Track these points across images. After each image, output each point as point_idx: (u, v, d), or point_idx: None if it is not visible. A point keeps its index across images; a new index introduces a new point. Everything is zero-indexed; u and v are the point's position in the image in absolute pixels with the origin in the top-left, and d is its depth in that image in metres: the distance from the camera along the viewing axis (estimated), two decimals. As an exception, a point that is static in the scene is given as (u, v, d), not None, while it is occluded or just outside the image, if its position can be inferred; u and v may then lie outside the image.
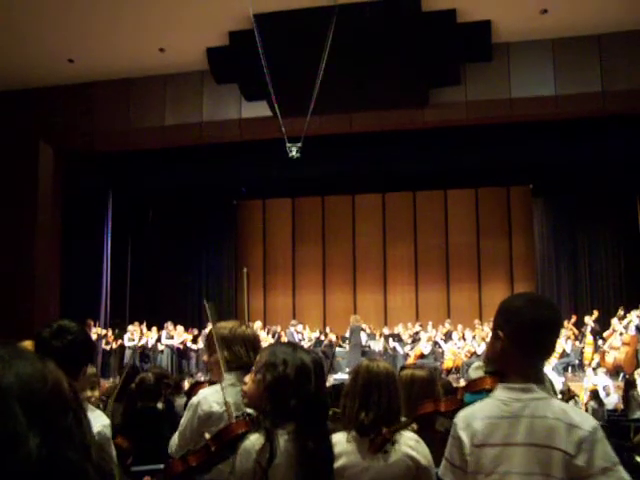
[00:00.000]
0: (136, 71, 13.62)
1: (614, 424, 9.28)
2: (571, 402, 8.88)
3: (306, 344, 17.12)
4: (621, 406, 10.93)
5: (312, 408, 2.31)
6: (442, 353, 17.17)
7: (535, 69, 12.75)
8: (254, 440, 2.28)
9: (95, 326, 16.26)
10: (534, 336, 2.23)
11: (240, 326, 3.53)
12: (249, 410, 2.50)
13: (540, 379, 2.25)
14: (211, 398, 3.36)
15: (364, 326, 17.83)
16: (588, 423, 2.13)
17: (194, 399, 3.48)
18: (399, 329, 18.65)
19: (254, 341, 3.49)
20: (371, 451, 2.80)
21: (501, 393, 2.26)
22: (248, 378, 2.48)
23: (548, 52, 12.74)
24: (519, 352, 2.24)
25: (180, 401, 6.42)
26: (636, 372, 13.52)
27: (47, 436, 0.98)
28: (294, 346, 2.54)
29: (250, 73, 12.17)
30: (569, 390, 9.61)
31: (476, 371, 3.52)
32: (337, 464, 2.69)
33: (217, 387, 3.32)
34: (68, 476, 1.00)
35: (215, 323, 3.26)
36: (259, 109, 13.16)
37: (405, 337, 18.03)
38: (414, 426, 3.01)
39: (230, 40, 12.38)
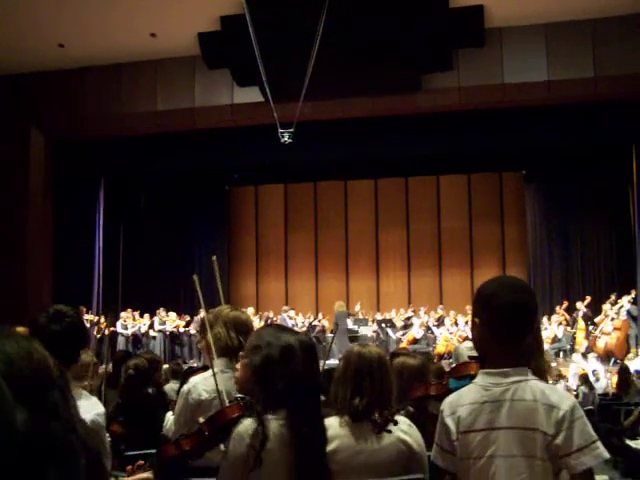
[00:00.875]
0: (127, 56, 13.55)
1: (605, 408, 9.35)
2: (559, 384, 8.95)
3: (299, 330, 17.15)
4: (610, 390, 11.00)
5: (302, 390, 2.31)
6: (434, 338, 17.23)
7: (528, 54, 12.73)
8: (247, 425, 2.28)
9: (87, 313, 16.24)
10: (508, 320, 2.23)
11: (230, 310, 3.52)
12: (240, 395, 2.50)
13: (521, 362, 2.26)
14: (200, 386, 3.36)
15: (352, 312, 17.91)
16: (566, 403, 2.15)
17: (185, 387, 3.49)
18: (392, 314, 18.71)
19: (239, 323, 3.45)
20: (374, 432, 2.80)
21: (482, 379, 2.28)
22: (239, 364, 2.48)
23: (541, 37, 12.72)
24: (495, 337, 2.25)
25: (173, 386, 6.43)
26: (627, 357, 13.60)
27: (33, 411, 1.01)
28: (281, 328, 2.54)
29: (242, 58, 12.13)
30: (560, 375, 9.67)
31: (469, 351, 3.52)
32: (329, 448, 2.69)
33: (207, 374, 3.32)
34: (53, 448, 1.03)
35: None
36: (251, 94, 13.12)
37: (397, 322, 18.08)
38: (410, 408, 3.03)
39: (222, 25, 12.32)
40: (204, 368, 3.62)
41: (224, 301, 3.77)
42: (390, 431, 2.75)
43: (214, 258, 3.82)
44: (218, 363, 3.31)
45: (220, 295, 3.96)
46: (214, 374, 2.96)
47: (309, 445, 2.29)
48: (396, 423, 2.76)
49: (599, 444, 2.10)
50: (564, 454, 2.09)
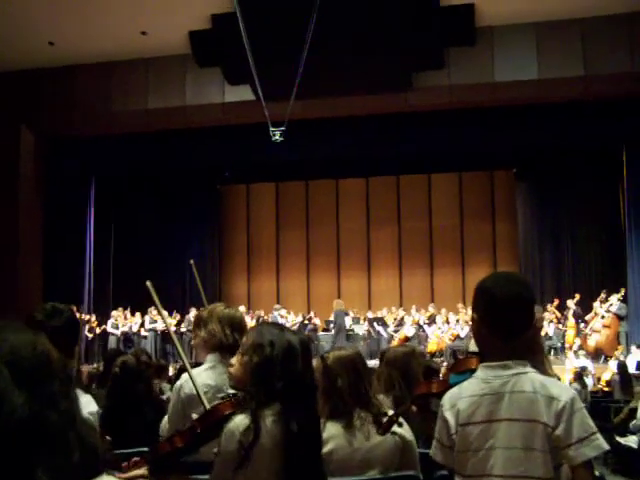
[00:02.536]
0: (118, 54, 13.52)
1: (595, 405, 9.40)
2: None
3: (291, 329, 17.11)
4: (599, 387, 11.06)
5: (299, 389, 2.32)
6: (426, 337, 17.25)
7: (518, 53, 12.78)
8: (239, 421, 2.28)
9: (78, 312, 16.19)
10: (504, 314, 2.24)
11: (224, 307, 3.53)
12: (232, 391, 2.50)
13: (521, 355, 2.27)
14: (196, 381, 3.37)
15: (348, 310, 17.90)
16: (566, 394, 2.17)
17: (178, 383, 3.50)
18: (383, 313, 18.72)
19: (234, 320, 3.47)
20: (380, 433, 2.83)
21: (482, 372, 2.29)
22: (234, 360, 2.48)
23: (531, 36, 12.77)
24: (493, 331, 2.26)
25: (164, 384, 6.42)
26: (616, 353, 13.66)
27: (31, 397, 1.03)
28: (281, 327, 2.54)
29: (233, 57, 12.13)
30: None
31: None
32: (326, 449, 2.71)
33: (200, 369, 3.33)
34: (47, 439, 1.04)
35: (157, 302, 3.23)
36: (242, 93, 13.11)
37: (389, 321, 18.10)
38: (413, 408, 3.05)
39: (213, 23, 12.31)
40: (196, 364, 3.63)
41: (206, 303, 3.79)
42: (395, 432, 2.78)
43: (192, 262, 3.84)
44: (210, 359, 3.33)
45: (202, 297, 3.99)
46: (190, 375, 2.94)
47: (302, 443, 2.29)
48: (401, 425, 2.78)
49: (599, 435, 2.12)
50: (564, 445, 2.10)
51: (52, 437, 1.03)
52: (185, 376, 3.46)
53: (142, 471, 2.37)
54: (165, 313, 3.54)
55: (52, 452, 1.03)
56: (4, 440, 0.98)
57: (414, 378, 3.48)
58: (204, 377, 3.21)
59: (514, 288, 2.28)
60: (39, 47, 13.03)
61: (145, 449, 3.08)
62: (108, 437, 3.60)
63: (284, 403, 2.28)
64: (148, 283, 3.11)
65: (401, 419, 2.98)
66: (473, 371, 2.37)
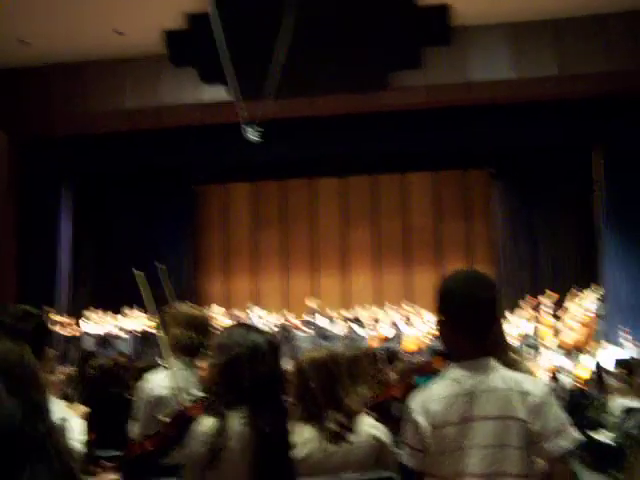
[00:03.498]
0: (93, 54, 13.43)
1: (572, 402, 9.49)
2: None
3: (268, 329, 17.09)
4: (574, 384, 11.15)
5: (267, 390, 2.31)
6: (404, 336, 17.27)
7: (493, 53, 12.86)
8: (207, 423, 2.28)
9: (53, 313, 16.05)
10: (468, 315, 2.23)
11: (187, 308, 3.52)
12: (202, 394, 2.50)
13: (489, 353, 2.26)
14: (161, 383, 3.36)
15: (323, 310, 17.91)
16: (539, 389, 2.18)
17: (142, 384, 3.49)
18: (360, 312, 18.72)
19: (196, 321, 3.45)
20: (332, 442, 2.82)
21: (453, 372, 2.27)
22: (204, 363, 2.47)
23: (506, 36, 12.85)
24: (458, 333, 2.26)
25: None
26: (591, 350, 13.78)
27: (22, 404, 1.04)
28: (248, 327, 2.54)
29: (209, 56, 12.08)
30: (527, 370, 9.74)
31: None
32: (302, 453, 2.70)
33: (166, 371, 3.32)
34: (36, 444, 1.06)
35: (148, 294, 3.23)
36: (218, 93, 13.08)
37: (366, 320, 18.10)
38: (373, 415, 3.05)
39: (188, 23, 12.27)
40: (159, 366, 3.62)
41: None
42: (351, 443, 2.77)
43: (163, 267, 3.83)
44: (175, 362, 3.31)
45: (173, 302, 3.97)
46: (172, 373, 2.94)
47: (270, 444, 2.29)
48: (351, 430, 2.78)
49: (572, 428, 2.13)
50: (541, 440, 2.11)
51: (39, 445, 1.04)
52: (151, 378, 3.45)
53: (114, 476, 2.36)
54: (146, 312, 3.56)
55: (37, 460, 1.03)
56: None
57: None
58: (169, 379, 3.22)
59: (477, 289, 2.26)
60: (12, 47, 12.90)
61: (118, 453, 3.06)
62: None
63: (252, 404, 2.27)
64: (136, 272, 3.13)
65: (372, 419, 2.98)
66: (438, 372, 2.36)
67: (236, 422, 2.25)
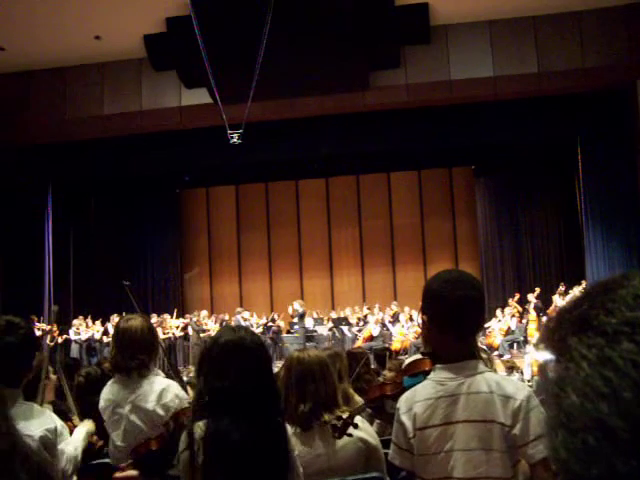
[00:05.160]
0: (72, 59, 13.37)
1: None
2: (515, 375, 9.08)
3: (254, 331, 17.02)
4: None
5: (251, 390, 2.31)
6: (390, 335, 17.30)
7: (473, 51, 12.91)
8: (194, 428, 2.30)
9: (39, 322, 15.95)
10: (453, 316, 2.22)
11: (121, 322, 3.50)
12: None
13: (474, 355, 2.26)
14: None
15: (308, 311, 17.91)
16: (521, 393, 2.17)
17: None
18: (347, 313, 18.73)
19: (124, 335, 3.40)
20: (335, 437, 2.81)
21: (436, 374, 2.28)
22: None
23: (485, 34, 12.91)
24: (444, 334, 2.25)
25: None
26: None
27: None
28: (236, 328, 2.54)
29: (189, 60, 12.07)
30: (513, 366, 9.80)
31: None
32: None
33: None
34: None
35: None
36: (199, 96, 13.05)
37: (353, 320, 18.12)
38: (368, 410, 3.05)
39: (167, 27, 12.24)
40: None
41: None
42: (351, 435, 2.77)
43: (128, 283, 3.85)
44: (115, 376, 3.44)
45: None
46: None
47: (258, 446, 2.29)
48: (356, 426, 2.78)
49: None
50: (522, 444, 2.11)
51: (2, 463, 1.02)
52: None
53: (134, 472, 2.44)
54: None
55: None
56: None
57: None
58: (106, 392, 3.42)
59: (462, 291, 2.24)
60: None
61: (107, 460, 3.08)
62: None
63: (240, 408, 2.27)
64: (125, 283, 3.15)
65: (364, 420, 2.98)
66: (427, 373, 2.37)
67: (222, 425, 2.26)
